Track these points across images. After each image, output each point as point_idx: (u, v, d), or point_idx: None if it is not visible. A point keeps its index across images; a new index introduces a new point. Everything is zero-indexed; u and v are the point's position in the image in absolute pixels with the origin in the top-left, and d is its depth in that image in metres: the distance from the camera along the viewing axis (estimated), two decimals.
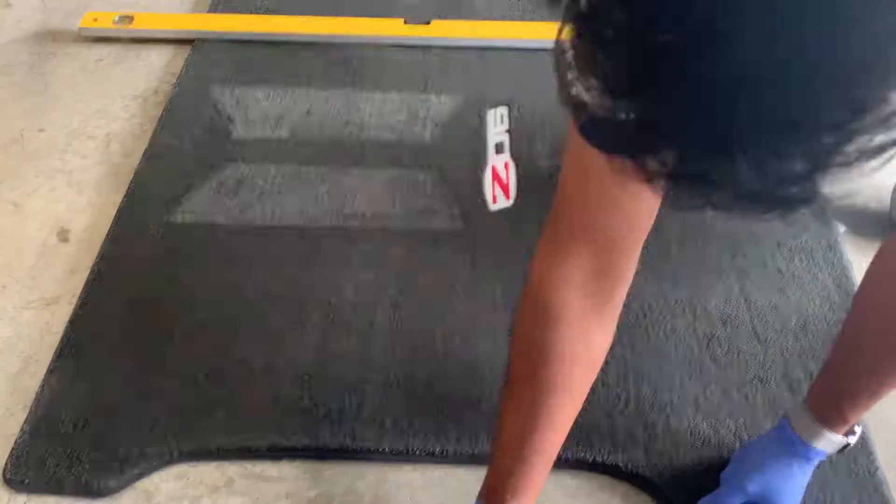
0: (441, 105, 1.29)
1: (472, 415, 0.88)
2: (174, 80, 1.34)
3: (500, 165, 1.21)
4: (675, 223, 1.09)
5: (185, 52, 1.41)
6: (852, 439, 0.77)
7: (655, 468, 0.85)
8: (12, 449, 0.85)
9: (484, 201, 1.14)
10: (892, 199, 1.12)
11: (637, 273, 1.02)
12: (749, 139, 0.31)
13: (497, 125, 1.28)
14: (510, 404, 0.69)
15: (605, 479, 0.86)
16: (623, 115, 0.33)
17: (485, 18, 1.47)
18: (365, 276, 1.02)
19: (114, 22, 1.43)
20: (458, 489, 0.84)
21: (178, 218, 1.10)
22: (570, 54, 0.35)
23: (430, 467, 0.86)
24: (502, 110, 1.31)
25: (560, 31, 0.34)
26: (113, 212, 1.11)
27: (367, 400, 0.90)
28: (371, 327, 0.97)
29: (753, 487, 0.79)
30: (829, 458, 0.79)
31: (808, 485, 0.81)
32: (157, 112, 1.28)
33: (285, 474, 0.85)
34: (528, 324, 0.68)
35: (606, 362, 0.92)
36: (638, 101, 0.32)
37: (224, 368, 0.92)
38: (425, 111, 1.28)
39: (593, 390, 0.90)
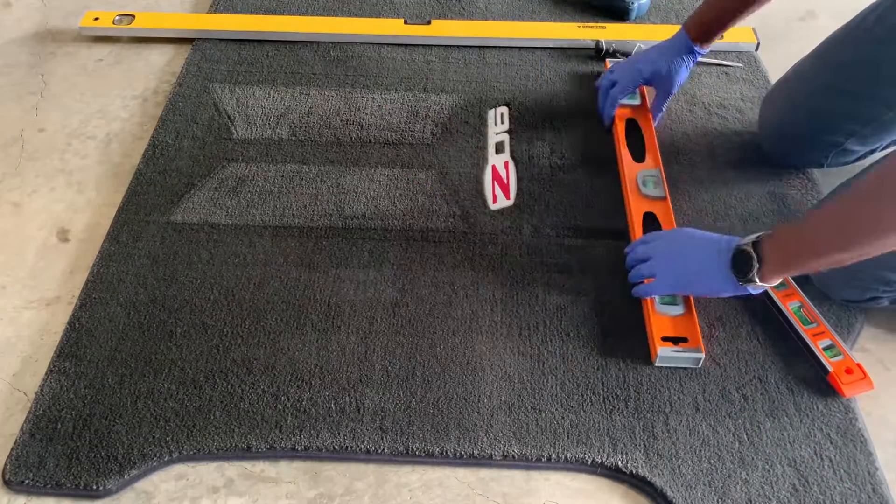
0: (441, 105, 1.29)
1: (472, 415, 0.89)
2: (174, 80, 1.34)
3: (500, 165, 1.21)
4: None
5: (185, 51, 1.41)
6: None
7: (655, 468, 0.85)
8: (12, 449, 0.85)
9: (484, 201, 1.15)
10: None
11: None
12: None
13: (497, 125, 1.28)
14: None
15: (604, 480, 0.86)
16: None
17: (485, 18, 1.48)
18: (365, 276, 1.02)
19: (114, 21, 1.43)
20: (458, 489, 0.84)
21: (178, 218, 1.10)
22: None
23: (429, 468, 0.86)
24: (502, 110, 1.31)
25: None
26: (113, 212, 1.11)
27: (366, 400, 0.90)
28: (371, 327, 0.97)
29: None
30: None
31: (808, 485, 0.83)
32: (157, 112, 1.28)
33: (285, 474, 0.86)
34: None
35: (607, 362, 0.93)
36: None
37: (224, 368, 0.92)
38: (425, 111, 1.28)
39: (593, 391, 0.91)
